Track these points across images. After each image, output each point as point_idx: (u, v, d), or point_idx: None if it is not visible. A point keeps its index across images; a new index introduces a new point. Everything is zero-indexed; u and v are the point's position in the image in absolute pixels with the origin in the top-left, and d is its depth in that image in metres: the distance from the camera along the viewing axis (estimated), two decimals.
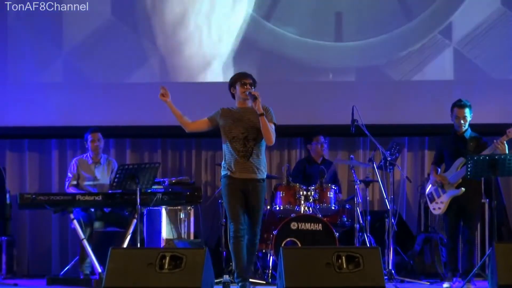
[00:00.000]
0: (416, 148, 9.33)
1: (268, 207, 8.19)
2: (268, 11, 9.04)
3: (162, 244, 8.07)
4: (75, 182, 8.26)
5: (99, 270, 7.40)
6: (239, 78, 6.81)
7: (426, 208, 8.35)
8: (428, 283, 7.75)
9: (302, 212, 7.99)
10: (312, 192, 8.09)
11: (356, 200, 8.14)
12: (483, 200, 8.07)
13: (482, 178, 7.57)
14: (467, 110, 7.44)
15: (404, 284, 7.78)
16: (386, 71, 9.06)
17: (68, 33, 9.04)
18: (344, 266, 5.96)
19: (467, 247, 7.45)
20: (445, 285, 7.39)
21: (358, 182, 8.24)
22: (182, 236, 8.28)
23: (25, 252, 9.15)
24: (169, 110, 6.78)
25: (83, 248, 7.69)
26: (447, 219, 7.52)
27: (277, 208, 8.13)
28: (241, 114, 6.75)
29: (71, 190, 8.17)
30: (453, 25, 9.00)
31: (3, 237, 8.57)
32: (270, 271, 7.75)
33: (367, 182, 8.47)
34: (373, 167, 8.03)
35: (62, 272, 8.39)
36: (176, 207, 8.26)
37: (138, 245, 7.20)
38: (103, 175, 8.32)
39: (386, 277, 7.52)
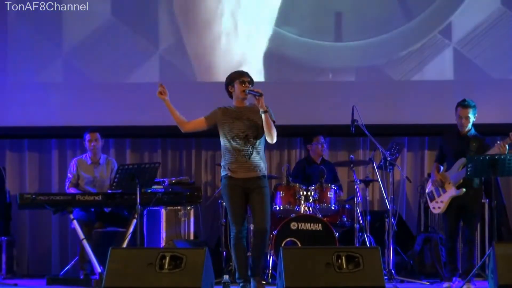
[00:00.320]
0: (416, 148, 9.32)
1: None
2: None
3: (162, 244, 8.07)
4: (75, 183, 8.26)
5: (99, 270, 7.39)
6: (238, 77, 6.69)
7: (426, 208, 8.35)
8: (428, 283, 7.74)
9: (302, 212, 7.99)
10: (312, 192, 8.09)
11: (356, 200, 8.13)
12: (483, 200, 8.06)
13: (482, 178, 7.57)
14: (470, 110, 7.40)
15: (404, 284, 7.78)
16: (386, 71, 9.06)
17: (68, 33, 9.03)
18: (344, 266, 5.96)
19: (467, 247, 7.44)
20: (445, 285, 7.39)
21: (358, 182, 8.24)
22: (182, 236, 8.29)
23: (25, 252, 9.14)
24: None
25: (83, 248, 7.68)
26: (447, 219, 7.51)
27: (277, 208, 8.12)
28: (240, 113, 6.67)
29: (71, 190, 8.17)
30: (453, 25, 8.99)
31: (3, 237, 8.57)
32: (270, 271, 7.75)
33: (367, 182, 8.47)
34: (373, 167, 8.04)
35: (62, 272, 8.40)
36: (176, 207, 8.26)
37: (138, 245, 7.20)
38: (103, 175, 8.31)
39: (386, 277, 7.51)
